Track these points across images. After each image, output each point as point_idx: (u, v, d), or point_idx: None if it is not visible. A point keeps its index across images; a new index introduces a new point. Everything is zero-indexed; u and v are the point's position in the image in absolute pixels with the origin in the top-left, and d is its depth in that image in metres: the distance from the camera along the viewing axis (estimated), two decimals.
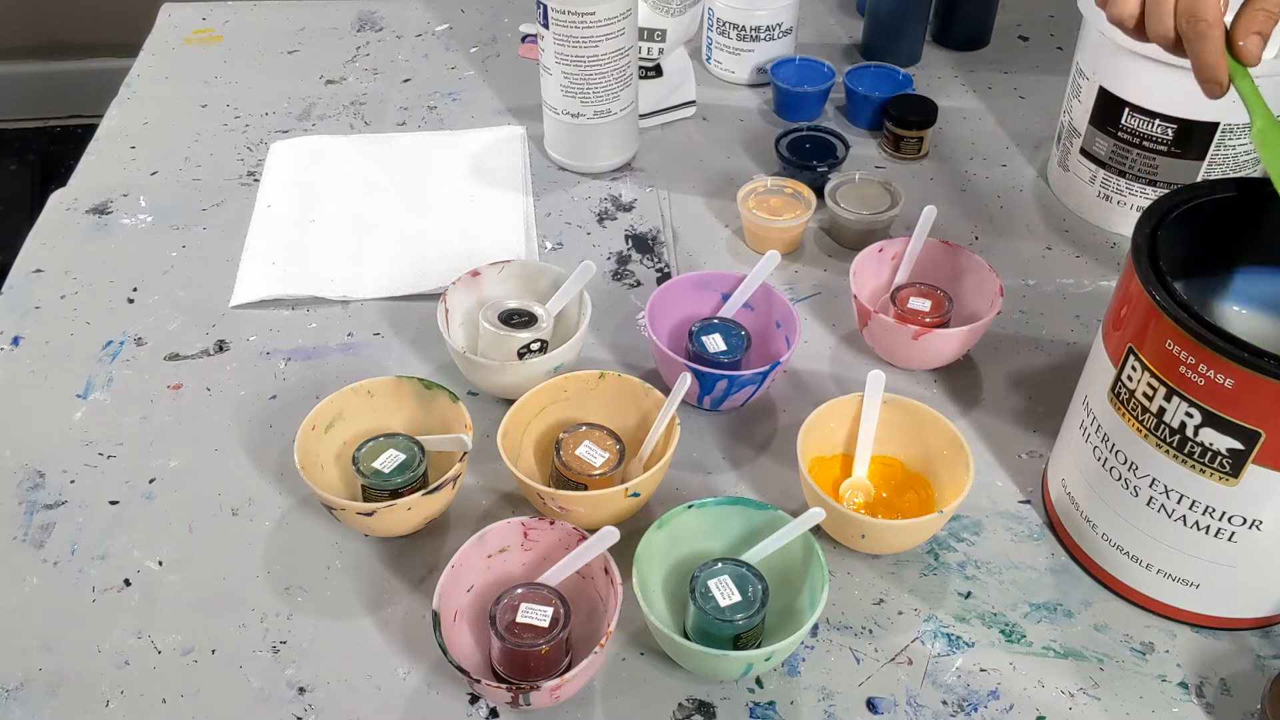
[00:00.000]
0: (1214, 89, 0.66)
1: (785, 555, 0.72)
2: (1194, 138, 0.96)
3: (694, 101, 1.21)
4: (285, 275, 0.99)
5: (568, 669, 0.67)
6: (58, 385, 0.90)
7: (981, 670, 0.72)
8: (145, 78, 1.27)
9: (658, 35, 1.14)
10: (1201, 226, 0.70)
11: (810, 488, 0.75)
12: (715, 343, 0.87)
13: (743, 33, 1.22)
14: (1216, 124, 0.94)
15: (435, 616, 0.67)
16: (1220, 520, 0.67)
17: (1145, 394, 0.66)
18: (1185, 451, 0.65)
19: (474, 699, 0.70)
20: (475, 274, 0.90)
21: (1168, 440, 0.66)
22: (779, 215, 1.01)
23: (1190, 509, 0.67)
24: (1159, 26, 0.67)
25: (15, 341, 0.93)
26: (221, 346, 0.94)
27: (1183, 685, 0.71)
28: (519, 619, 0.68)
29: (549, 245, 1.05)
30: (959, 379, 0.92)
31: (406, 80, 1.27)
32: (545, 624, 0.67)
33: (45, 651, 0.72)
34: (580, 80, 1.05)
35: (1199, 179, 0.98)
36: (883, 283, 0.95)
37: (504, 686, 0.65)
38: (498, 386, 0.86)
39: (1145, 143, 0.98)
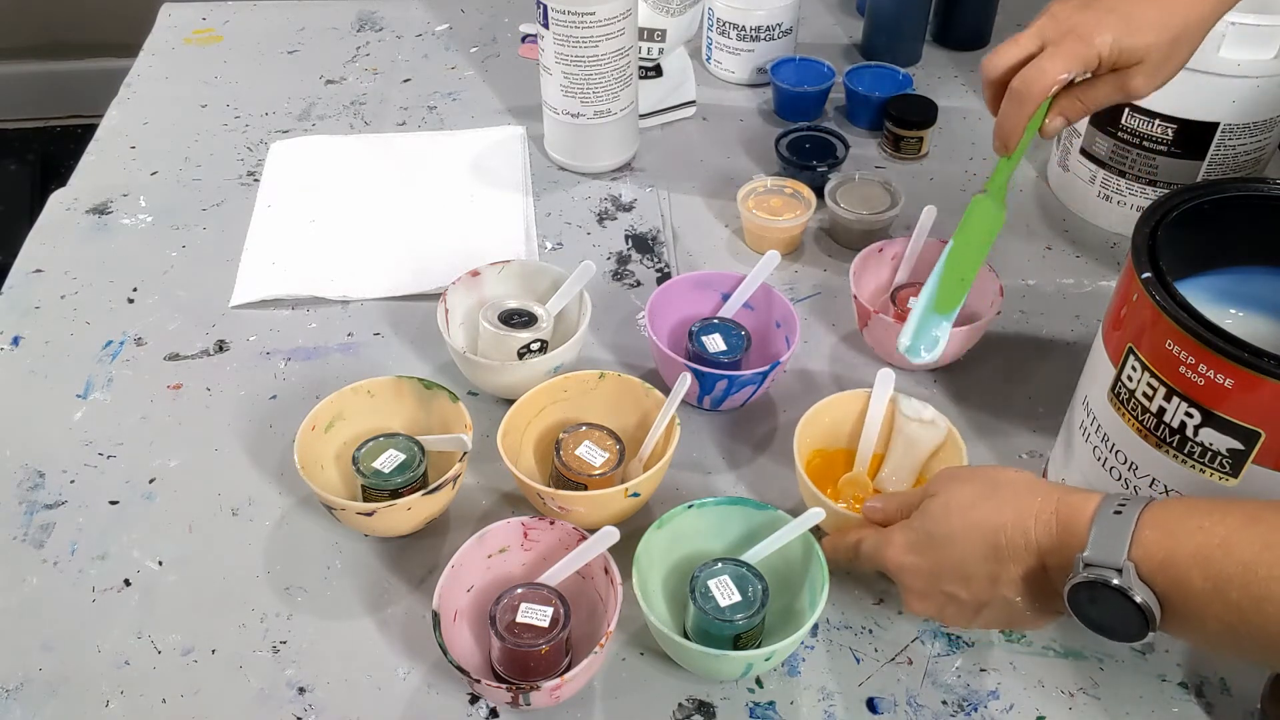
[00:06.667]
0: (1000, 147, 0.77)
1: (785, 555, 0.72)
2: (1194, 138, 0.96)
3: (694, 101, 1.21)
4: (285, 275, 0.99)
5: (568, 669, 0.67)
6: (58, 385, 0.90)
7: (981, 670, 0.72)
8: (145, 78, 1.27)
9: (658, 35, 1.14)
10: (1201, 226, 0.70)
11: (806, 486, 0.75)
12: (715, 343, 0.87)
13: (743, 33, 1.22)
14: (1216, 124, 0.94)
15: (435, 616, 0.67)
16: None
17: (1145, 394, 0.66)
18: (1185, 451, 0.65)
19: (474, 699, 0.70)
20: (475, 274, 0.90)
21: (1168, 440, 0.66)
22: (779, 215, 1.01)
23: None
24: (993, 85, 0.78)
25: (15, 341, 0.93)
26: (221, 346, 0.94)
27: (1183, 685, 0.71)
28: (519, 619, 0.68)
29: (549, 245, 1.05)
30: (959, 379, 0.91)
31: (406, 80, 1.27)
32: (545, 624, 0.67)
33: (45, 651, 0.72)
34: (580, 80, 1.05)
35: (1199, 179, 0.98)
36: (883, 283, 0.95)
37: (504, 686, 0.65)
38: (498, 386, 0.86)
39: (1145, 143, 0.98)
